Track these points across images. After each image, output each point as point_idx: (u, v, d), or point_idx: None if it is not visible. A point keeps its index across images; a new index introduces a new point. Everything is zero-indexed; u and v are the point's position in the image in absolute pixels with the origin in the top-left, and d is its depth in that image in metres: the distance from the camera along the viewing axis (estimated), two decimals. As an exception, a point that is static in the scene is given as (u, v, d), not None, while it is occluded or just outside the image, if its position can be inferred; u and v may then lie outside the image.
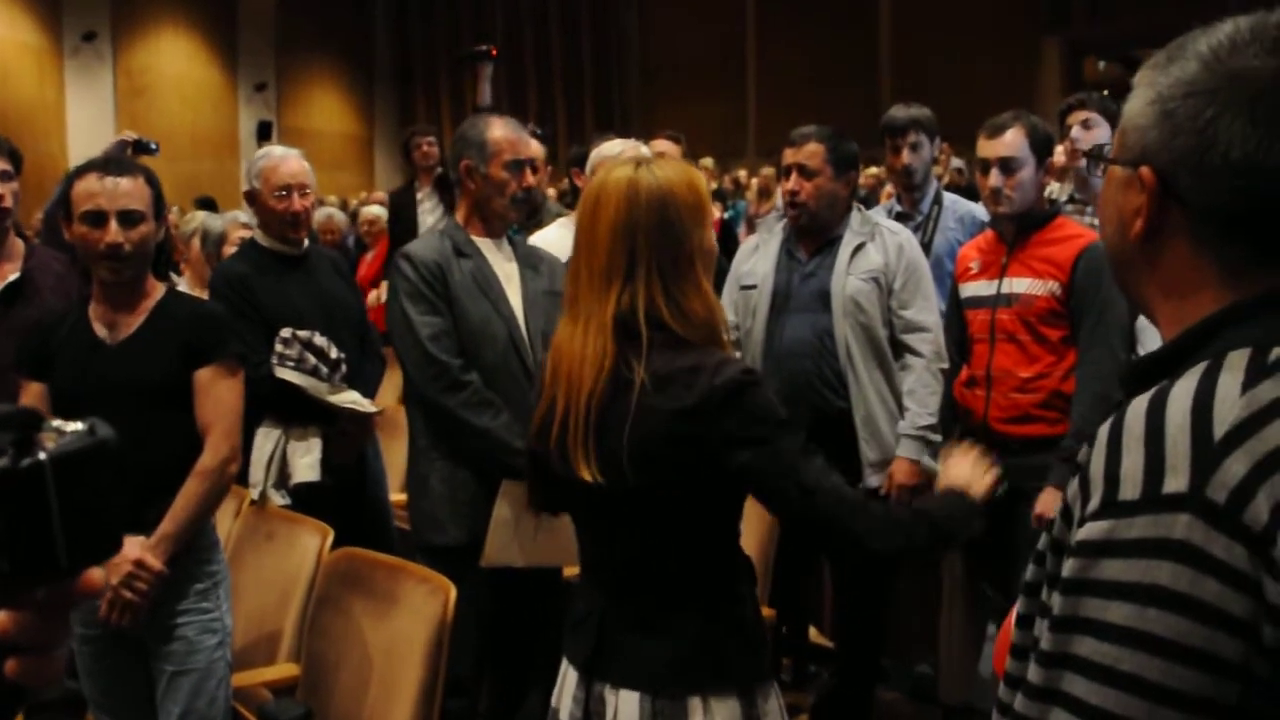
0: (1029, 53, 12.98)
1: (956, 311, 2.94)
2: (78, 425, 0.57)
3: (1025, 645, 0.87)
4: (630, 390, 1.52)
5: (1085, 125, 3.31)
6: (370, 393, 3.18)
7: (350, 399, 3.00)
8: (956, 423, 3.00)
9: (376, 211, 6.76)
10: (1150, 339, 2.61)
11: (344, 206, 8.79)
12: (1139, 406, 0.79)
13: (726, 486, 1.57)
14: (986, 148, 2.77)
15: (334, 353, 2.97)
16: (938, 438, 2.86)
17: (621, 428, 1.51)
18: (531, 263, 2.70)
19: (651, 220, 1.54)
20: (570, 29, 16.46)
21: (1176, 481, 0.73)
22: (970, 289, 2.87)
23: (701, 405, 1.49)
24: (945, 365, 2.90)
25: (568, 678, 1.67)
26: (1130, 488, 0.75)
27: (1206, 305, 0.85)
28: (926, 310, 2.90)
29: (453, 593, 2.11)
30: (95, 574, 0.59)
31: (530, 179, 2.72)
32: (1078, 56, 13.52)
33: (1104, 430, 0.80)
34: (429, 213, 5.88)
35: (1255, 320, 0.81)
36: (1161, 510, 0.73)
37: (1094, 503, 0.77)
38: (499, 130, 2.64)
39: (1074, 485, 0.81)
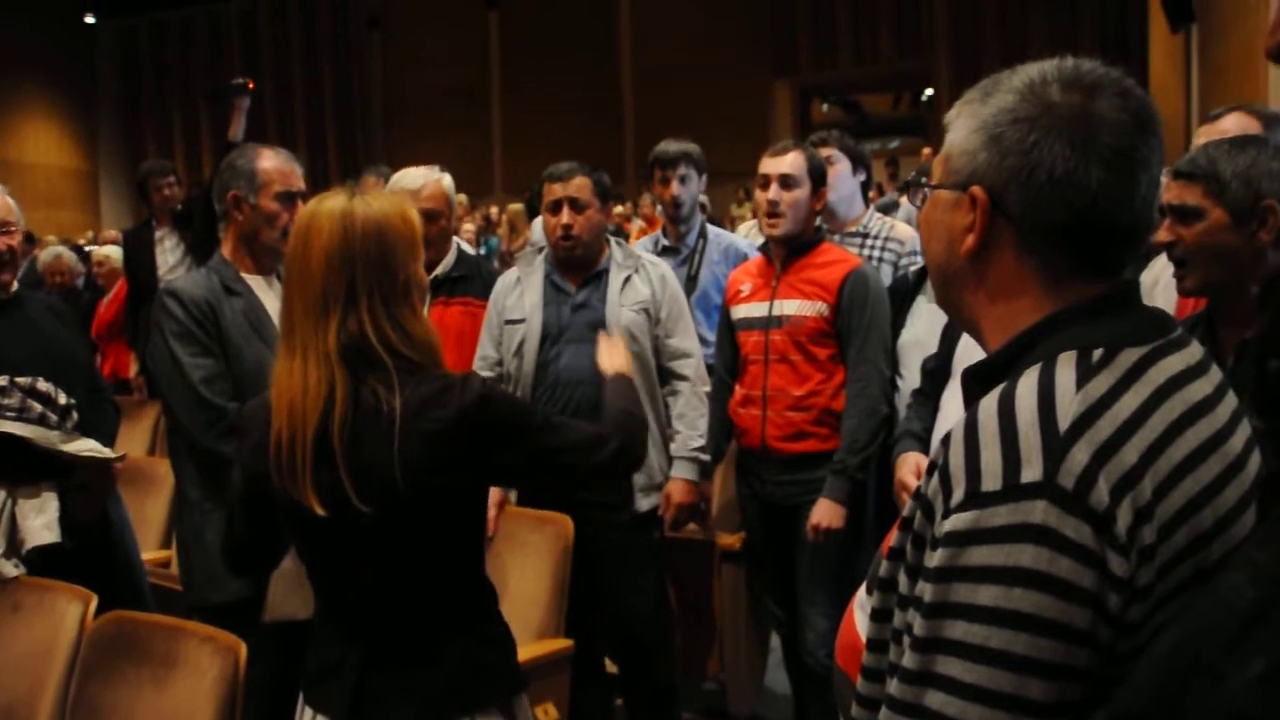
0: (762, 96, 13.79)
1: (728, 334, 3.06)
2: None
3: (883, 638, 0.93)
4: (380, 418, 1.53)
5: (828, 161, 3.54)
6: (106, 443, 2.92)
7: (88, 446, 2.74)
8: (728, 442, 3.13)
9: (109, 251, 6.29)
10: (913, 359, 2.81)
11: (72, 248, 8.11)
12: (989, 406, 0.87)
13: (481, 497, 1.69)
14: (769, 165, 2.91)
15: (62, 398, 2.71)
16: (708, 458, 3.00)
17: (378, 457, 1.53)
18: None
19: (369, 249, 1.56)
20: (311, 63, 16.02)
21: (1032, 471, 0.81)
22: (742, 311, 2.99)
23: (460, 422, 1.55)
24: (708, 388, 3.04)
25: None
26: (991, 479, 0.82)
27: (1030, 310, 0.94)
28: (689, 337, 3.03)
29: (242, 649, 1.98)
30: None
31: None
32: (805, 100, 14.51)
33: (958, 429, 0.87)
34: (169, 252, 5.55)
35: (1075, 326, 0.92)
36: (1021, 498, 0.81)
37: (958, 495, 0.84)
38: (269, 161, 2.54)
39: (933, 482, 0.87)
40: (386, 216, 1.60)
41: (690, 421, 2.97)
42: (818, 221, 2.99)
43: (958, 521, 0.83)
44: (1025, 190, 0.92)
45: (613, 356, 2.04)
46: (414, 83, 15.52)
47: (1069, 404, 0.84)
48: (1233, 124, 2.27)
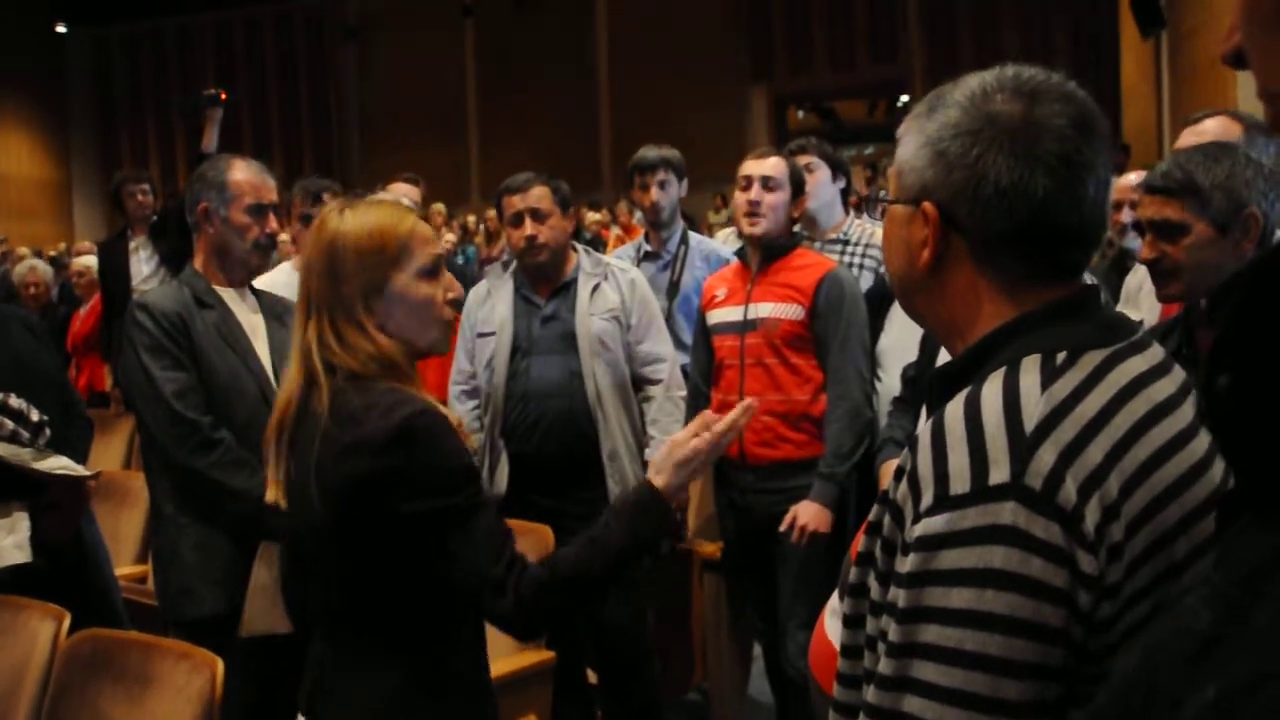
0: (739, 103, 13.84)
1: (704, 339, 3.06)
2: None
3: (856, 644, 0.93)
4: (314, 422, 1.53)
5: (807, 168, 3.55)
6: (79, 460, 2.89)
7: (61, 464, 2.70)
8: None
9: (89, 262, 6.23)
10: (892, 363, 2.81)
11: (42, 259, 8.03)
12: (955, 410, 0.88)
13: (405, 528, 1.49)
14: (751, 166, 2.92)
15: (35, 415, 2.68)
16: None
17: (304, 459, 1.53)
18: (276, 313, 2.58)
19: (321, 263, 1.58)
20: (287, 72, 15.96)
21: (999, 473, 0.82)
22: (717, 315, 2.99)
23: (366, 441, 1.45)
24: (683, 392, 3.04)
25: None
26: (960, 482, 0.83)
27: (991, 317, 0.95)
28: (661, 341, 3.03)
29: (219, 666, 1.95)
30: None
31: (273, 224, 2.60)
32: (781, 107, 14.57)
33: (925, 433, 0.88)
34: (144, 263, 5.52)
35: (1038, 330, 0.93)
36: (990, 500, 0.82)
37: (927, 499, 0.84)
38: (240, 173, 2.53)
39: (901, 487, 0.88)
40: (347, 231, 1.56)
41: (664, 426, 2.96)
42: (796, 228, 3.00)
43: (928, 526, 0.84)
44: (974, 203, 0.94)
45: (669, 458, 1.62)
46: (390, 92, 15.48)
47: (1034, 406, 0.86)
48: (1215, 128, 2.25)
